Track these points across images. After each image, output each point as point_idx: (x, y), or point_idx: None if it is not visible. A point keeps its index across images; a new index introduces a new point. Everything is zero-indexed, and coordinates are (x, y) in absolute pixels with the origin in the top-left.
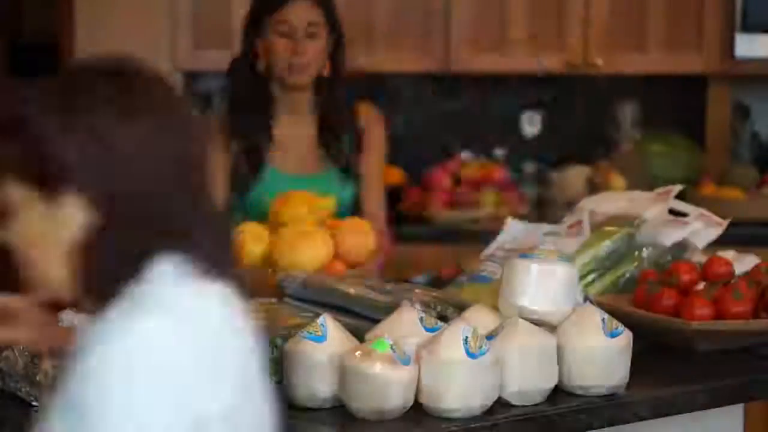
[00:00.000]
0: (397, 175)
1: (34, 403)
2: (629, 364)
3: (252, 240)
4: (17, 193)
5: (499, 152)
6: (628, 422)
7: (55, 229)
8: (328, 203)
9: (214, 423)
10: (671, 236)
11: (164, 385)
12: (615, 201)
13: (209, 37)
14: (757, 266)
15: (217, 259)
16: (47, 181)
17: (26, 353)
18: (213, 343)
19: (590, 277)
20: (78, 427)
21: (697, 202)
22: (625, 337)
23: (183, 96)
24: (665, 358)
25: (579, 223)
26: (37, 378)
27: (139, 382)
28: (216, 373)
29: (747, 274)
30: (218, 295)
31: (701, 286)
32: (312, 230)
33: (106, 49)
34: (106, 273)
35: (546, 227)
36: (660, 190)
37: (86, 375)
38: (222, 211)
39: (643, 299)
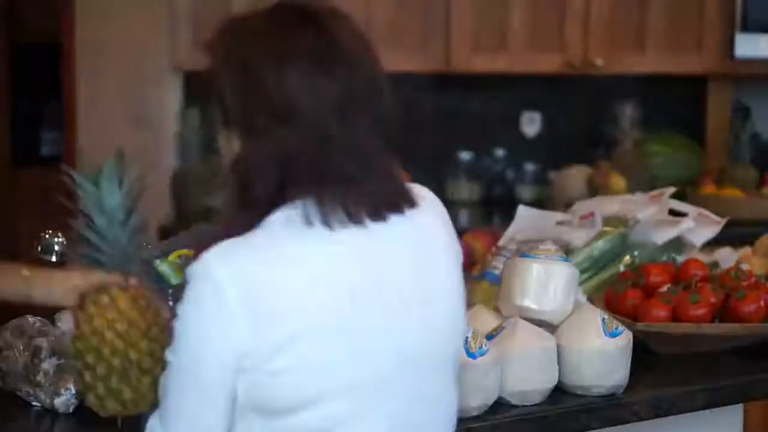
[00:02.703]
0: None
1: (34, 403)
2: (629, 364)
3: None
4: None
5: (499, 152)
6: (628, 422)
7: (228, 151)
8: None
9: (258, 363)
10: (663, 235)
11: (209, 321)
12: (608, 204)
13: (209, 37)
14: (727, 270)
15: (348, 207)
16: (220, 106)
17: (26, 353)
18: (267, 296)
19: (584, 277)
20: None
21: (697, 202)
22: (625, 337)
23: (353, 47)
24: (665, 358)
25: (591, 215)
26: (37, 378)
27: (191, 316)
28: (268, 318)
29: (716, 278)
30: (321, 245)
31: (665, 288)
32: None
33: (106, 48)
34: (239, 189)
35: (558, 216)
36: (653, 192)
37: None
38: (382, 164)
39: (611, 299)
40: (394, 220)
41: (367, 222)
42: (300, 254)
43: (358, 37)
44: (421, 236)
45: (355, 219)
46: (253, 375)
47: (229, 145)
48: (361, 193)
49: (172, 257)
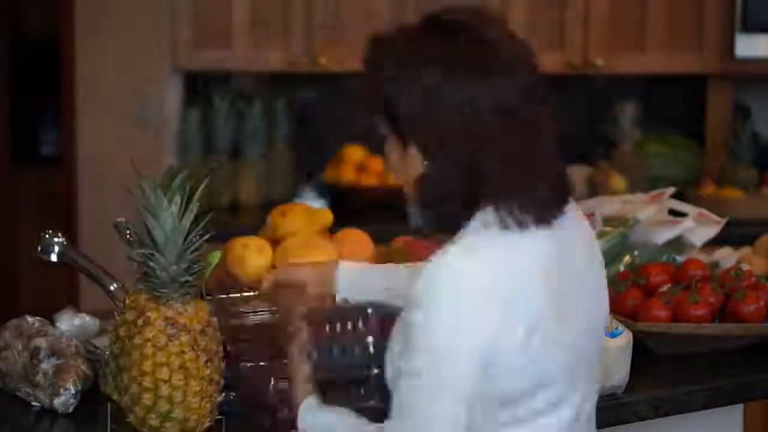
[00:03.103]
0: None
1: (33, 403)
2: (629, 364)
3: (256, 253)
4: (384, 128)
5: None
6: (628, 422)
7: (405, 166)
8: (326, 215)
9: (503, 354)
10: (663, 235)
11: (464, 320)
12: (608, 204)
13: (209, 37)
14: (727, 270)
15: (535, 210)
16: (396, 127)
17: (25, 353)
18: (511, 289)
19: None
20: (404, 347)
21: (697, 202)
22: (625, 337)
23: (513, 50)
24: (665, 358)
25: (591, 215)
26: (37, 378)
27: (443, 312)
28: (510, 314)
29: (716, 278)
30: (525, 247)
31: (665, 288)
32: (317, 241)
33: (106, 49)
34: (431, 206)
35: None
36: (653, 192)
37: (412, 302)
38: (554, 163)
39: (611, 299)
40: (568, 216)
41: (553, 221)
42: (509, 253)
43: (516, 39)
44: (584, 234)
45: (544, 220)
46: (496, 365)
47: (403, 162)
48: (544, 194)
49: None
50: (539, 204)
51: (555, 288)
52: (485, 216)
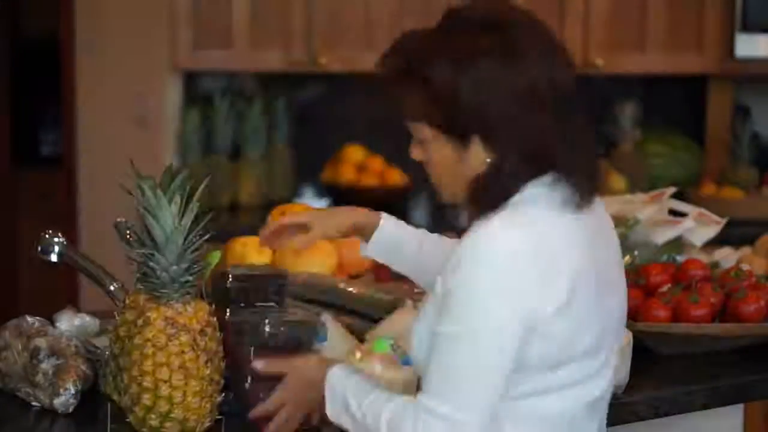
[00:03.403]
0: (398, 177)
1: (33, 403)
2: (629, 364)
3: (256, 252)
4: (427, 131)
5: None
6: (628, 422)
7: (461, 166)
8: None
9: (539, 323)
10: (663, 235)
11: (505, 283)
12: (608, 204)
13: (209, 37)
14: (728, 270)
15: (579, 188)
16: (451, 125)
17: (25, 353)
18: (551, 255)
19: None
20: (441, 311)
21: (697, 202)
22: (625, 337)
23: (550, 39)
24: (665, 358)
25: None
26: (36, 378)
27: (489, 277)
28: (551, 279)
29: (716, 278)
30: (565, 226)
31: (665, 288)
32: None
33: (106, 49)
34: (490, 195)
35: None
36: (653, 192)
37: (452, 269)
38: (587, 140)
39: None
40: (597, 202)
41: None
42: (550, 229)
43: (541, 22)
44: (609, 222)
45: (590, 200)
46: (532, 332)
47: (463, 160)
48: (593, 176)
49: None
50: (590, 185)
51: (593, 267)
52: (532, 193)
